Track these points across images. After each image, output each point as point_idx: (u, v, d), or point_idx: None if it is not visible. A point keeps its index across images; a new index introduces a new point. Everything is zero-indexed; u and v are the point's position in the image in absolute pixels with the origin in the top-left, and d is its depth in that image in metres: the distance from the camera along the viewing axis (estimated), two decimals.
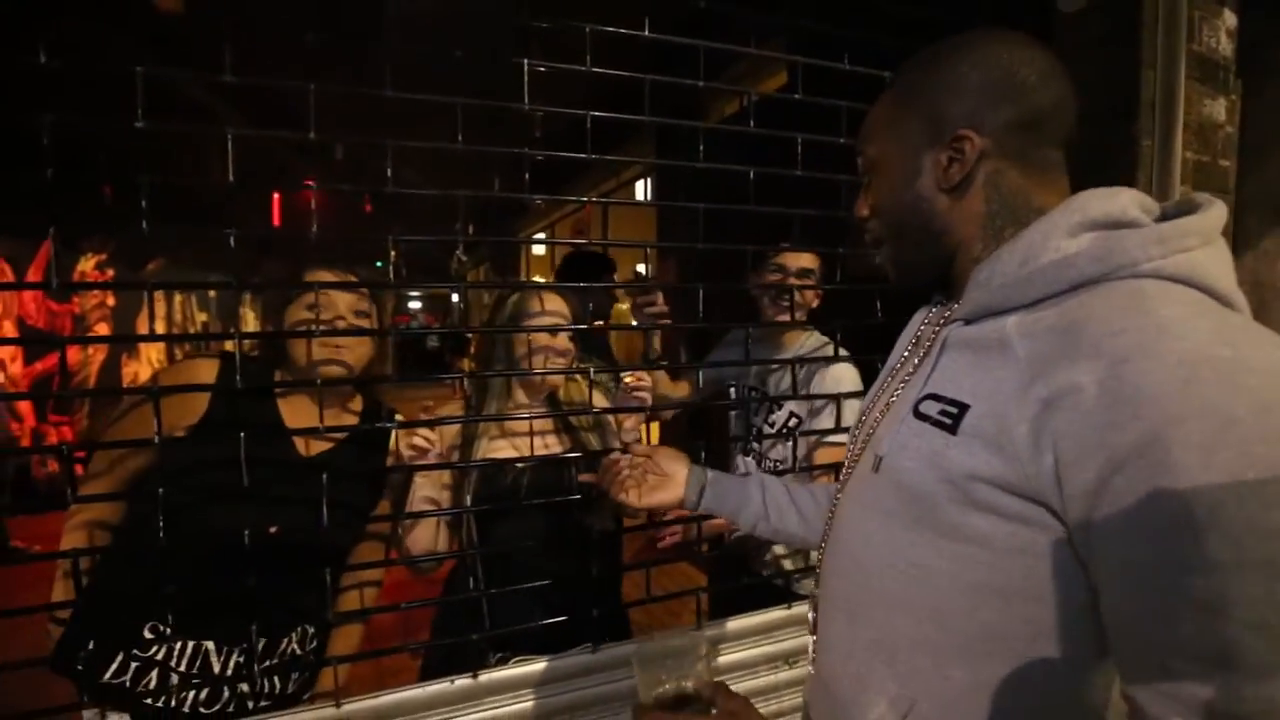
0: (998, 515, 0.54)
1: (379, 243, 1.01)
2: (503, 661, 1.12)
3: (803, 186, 1.24)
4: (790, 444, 1.47)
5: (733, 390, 1.72)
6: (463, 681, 1.04)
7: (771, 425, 1.60)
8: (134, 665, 1.02)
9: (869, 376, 1.33)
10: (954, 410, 0.57)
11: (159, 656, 1.03)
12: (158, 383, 0.92)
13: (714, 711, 0.66)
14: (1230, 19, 1.36)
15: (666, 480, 0.93)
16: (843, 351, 1.45)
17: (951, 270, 0.67)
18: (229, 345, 1.01)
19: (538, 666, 1.08)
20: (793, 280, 1.56)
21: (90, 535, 1.06)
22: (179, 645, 1.03)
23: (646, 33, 1.11)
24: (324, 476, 0.97)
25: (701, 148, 1.19)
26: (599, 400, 1.41)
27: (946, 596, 0.58)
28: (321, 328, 1.05)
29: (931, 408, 0.60)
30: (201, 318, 7.81)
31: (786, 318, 1.53)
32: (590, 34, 1.06)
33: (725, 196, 1.20)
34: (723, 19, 1.22)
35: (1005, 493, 0.53)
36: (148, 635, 1.03)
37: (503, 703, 1.06)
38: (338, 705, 0.97)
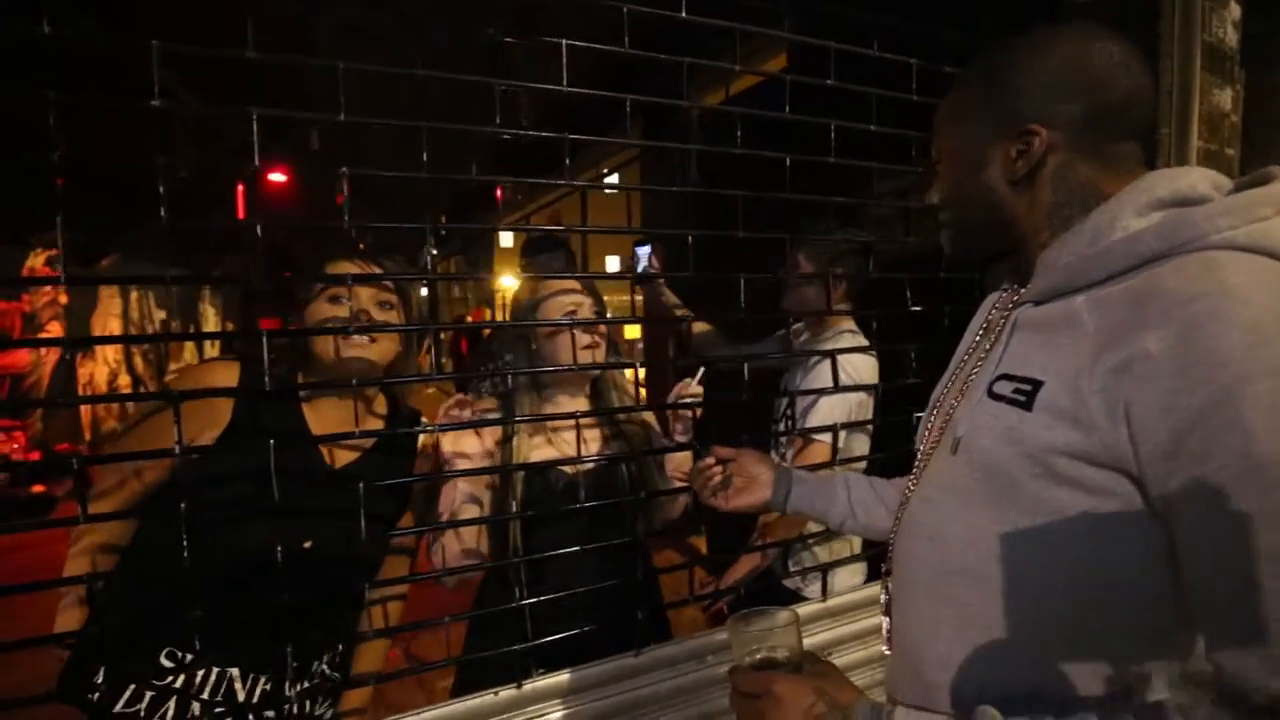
0: (1079, 488, 0.54)
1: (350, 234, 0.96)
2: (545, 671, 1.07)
3: (832, 172, 1.21)
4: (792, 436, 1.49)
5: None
6: (507, 692, 0.99)
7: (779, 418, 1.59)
8: (149, 695, 0.94)
9: (893, 365, 1.33)
10: (1027, 387, 0.58)
11: (177, 685, 0.95)
12: (176, 389, 0.84)
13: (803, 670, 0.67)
14: (1235, 10, 1.37)
15: (752, 482, 0.92)
16: (866, 366, 1.44)
17: (1017, 255, 0.69)
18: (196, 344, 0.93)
19: (581, 672, 1.04)
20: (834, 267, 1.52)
21: (94, 560, 0.97)
22: (200, 673, 0.95)
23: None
24: (357, 487, 0.90)
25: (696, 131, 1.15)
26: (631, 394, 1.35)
27: (1031, 572, 0.58)
28: (344, 323, 0.98)
29: (1005, 387, 0.61)
30: (160, 315, 7.45)
31: (841, 306, 1.52)
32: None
33: (721, 184, 1.16)
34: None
35: (1086, 464, 0.54)
36: (165, 663, 0.95)
37: (546, 710, 1.02)
38: None
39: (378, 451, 1.10)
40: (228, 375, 0.98)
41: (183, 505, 0.80)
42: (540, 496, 1.14)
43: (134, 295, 7.07)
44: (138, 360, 7.13)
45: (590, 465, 1.15)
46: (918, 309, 1.29)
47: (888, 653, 0.73)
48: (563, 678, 1.03)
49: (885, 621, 0.73)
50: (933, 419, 0.76)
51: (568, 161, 1.05)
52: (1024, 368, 0.59)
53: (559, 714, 1.02)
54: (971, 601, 0.61)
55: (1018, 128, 0.62)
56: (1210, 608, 0.48)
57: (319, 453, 1.04)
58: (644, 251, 1.66)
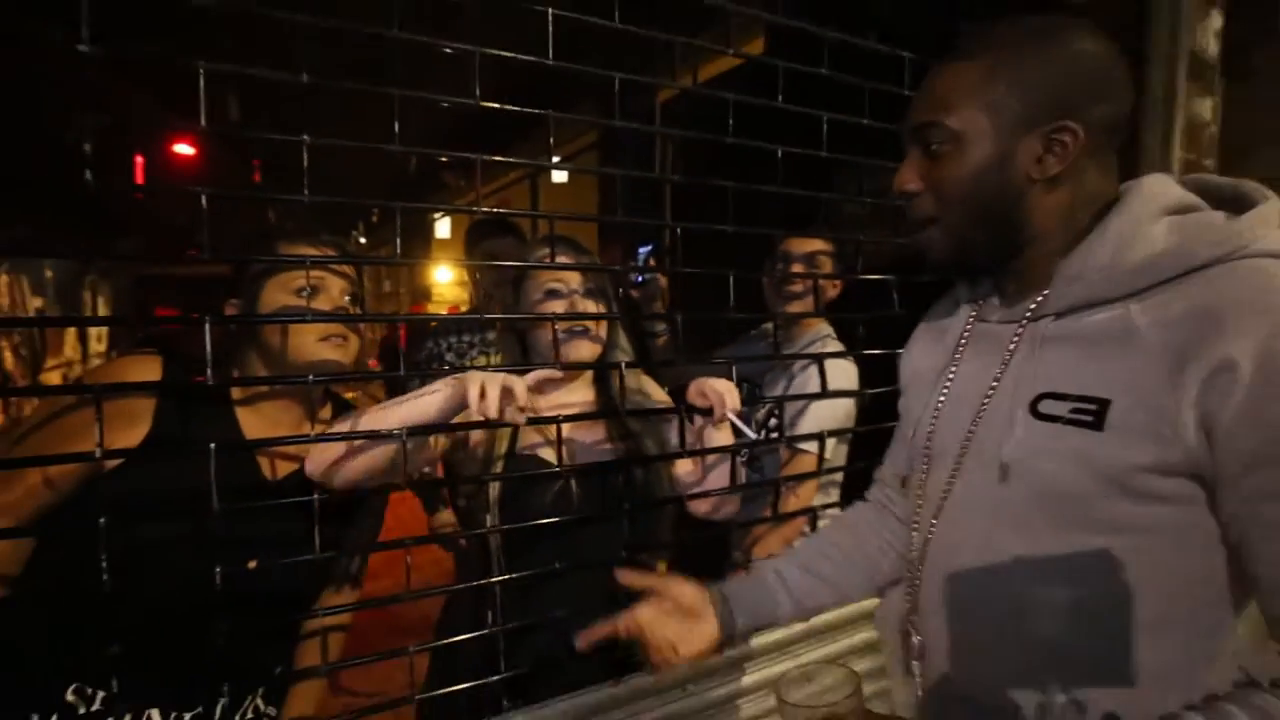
0: (1153, 500, 0.58)
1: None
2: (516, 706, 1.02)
3: (803, 167, 1.22)
4: (776, 446, 1.49)
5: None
6: None
7: (758, 425, 1.59)
8: None
9: (874, 372, 1.35)
10: (1092, 407, 0.59)
11: None
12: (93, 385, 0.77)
13: None
14: (1217, 20, 1.47)
15: (697, 622, 0.83)
16: (847, 370, 1.45)
17: (1019, 259, 0.68)
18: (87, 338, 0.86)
19: (557, 706, 1.01)
20: (797, 268, 1.55)
21: None
22: (113, 713, 0.88)
23: None
24: (296, 502, 0.85)
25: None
26: (650, 395, 1.28)
27: (1101, 588, 0.60)
28: (311, 316, 0.92)
29: (1058, 407, 0.62)
30: (36, 303, 6.93)
31: (797, 308, 1.51)
32: None
33: (687, 172, 1.16)
34: None
35: (1160, 476, 0.57)
36: (70, 698, 0.87)
37: None
38: None
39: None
40: (148, 372, 0.90)
41: (102, 521, 0.73)
42: (520, 496, 1.09)
43: (3, 280, 6.54)
44: (7, 356, 6.60)
45: (588, 470, 1.10)
46: (901, 312, 1.32)
47: (920, 694, 0.72)
48: (537, 714, 0.99)
49: (917, 665, 0.72)
50: (930, 442, 0.75)
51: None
52: (1075, 385, 0.61)
53: None
54: (1041, 627, 0.62)
55: (1052, 122, 0.62)
56: None
57: (255, 462, 0.98)
58: (644, 251, 1.66)
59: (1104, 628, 0.60)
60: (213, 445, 0.77)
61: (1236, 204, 0.61)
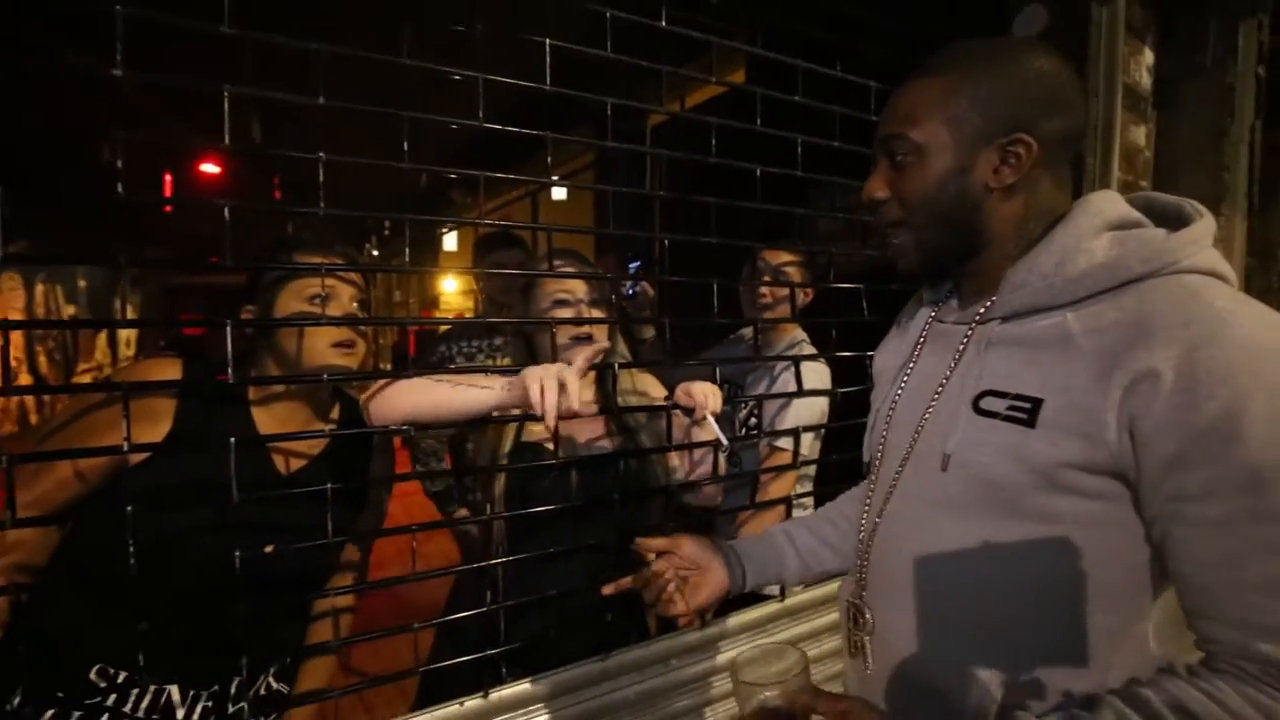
0: (1079, 495, 0.58)
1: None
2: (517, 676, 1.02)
3: (780, 183, 1.23)
4: (757, 444, 1.50)
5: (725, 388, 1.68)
6: (473, 702, 0.95)
7: (740, 423, 1.60)
8: (76, 714, 0.85)
9: (846, 373, 1.36)
10: (1026, 405, 0.60)
11: (108, 703, 0.86)
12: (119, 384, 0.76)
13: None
14: (1149, 56, 1.50)
15: (705, 573, 0.85)
16: (820, 372, 1.47)
17: (974, 262, 0.68)
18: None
19: (549, 679, 1.01)
20: (768, 278, 1.56)
21: (12, 580, 0.87)
22: (135, 691, 0.87)
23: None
24: (306, 495, 0.84)
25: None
26: (649, 394, 1.28)
27: (1030, 572, 0.61)
28: (325, 320, 0.92)
29: (996, 404, 0.62)
30: (69, 310, 6.84)
31: (772, 316, 1.53)
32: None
33: (678, 191, 1.16)
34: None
35: (1087, 473, 0.57)
36: (95, 679, 0.86)
37: (514, 719, 0.98)
38: None
39: (327, 459, 1.02)
40: (170, 374, 0.89)
41: (129, 509, 0.73)
42: (526, 487, 1.09)
43: (40, 288, 6.47)
44: (42, 360, 6.52)
45: (588, 462, 1.10)
46: (871, 318, 1.33)
47: (869, 670, 0.72)
48: (530, 686, 0.99)
49: (867, 640, 0.72)
50: (886, 432, 0.75)
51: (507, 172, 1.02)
52: (1016, 385, 0.61)
53: None
54: (974, 609, 0.63)
55: (1008, 135, 0.62)
56: (1202, 587, 0.53)
57: (269, 458, 0.98)
58: (634, 265, 1.66)
59: (1031, 610, 0.60)
60: (233, 440, 0.77)
61: (1177, 221, 0.62)
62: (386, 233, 8.33)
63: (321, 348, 0.95)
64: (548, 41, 0.99)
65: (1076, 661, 0.59)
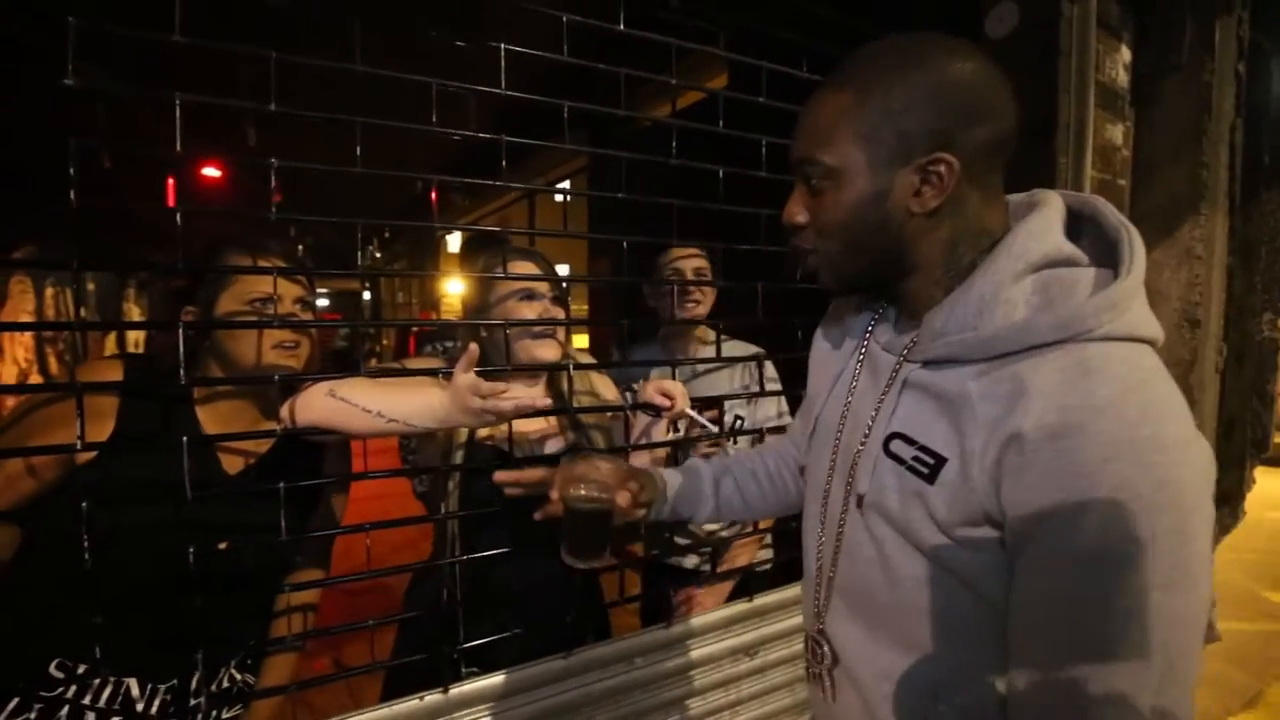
0: (974, 548, 0.58)
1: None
2: (475, 674, 1.04)
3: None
4: (739, 441, 1.50)
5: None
6: (433, 697, 0.96)
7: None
8: (37, 706, 0.87)
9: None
10: (930, 461, 0.59)
11: (68, 695, 0.88)
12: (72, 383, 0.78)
13: None
14: (1126, 54, 1.50)
15: (632, 478, 0.86)
16: (745, 348, 1.47)
17: (902, 286, 0.65)
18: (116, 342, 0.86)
19: (510, 675, 1.02)
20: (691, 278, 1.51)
21: None
22: (95, 683, 0.89)
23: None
24: (254, 494, 0.87)
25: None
26: (600, 394, 1.29)
27: (945, 602, 0.61)
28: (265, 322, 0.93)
29: (904, 450, 0.61)
30: (89, 321, 6.94)
31: (694, 314, 1.50)
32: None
33: (670, 194, 1.17)
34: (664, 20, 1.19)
35: (977, 528, 0.57)
36: (55, 673, 0.88)
37: (474, 715, 0.99)
38: None
39: (274, 458, 1.03)
40: (113, 375, 0.91)
41: (81, 505, 0.75)
42: (484, 492, 1.10)
43: (49, 292, 6.57)
44: (52, 362, 6.62)
45: (538, 461, 1.11)
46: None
47: (832, 701, 0.72)
48: (491, 681, 1.01)
49: (826, 672, 0.72)
50: (819, 442, 0.75)
51: (505, 165, 1.04)
52: (923, 435, 0.60)
53: (490, 718, 1.00)
54: (903, 629, 0.64)
55: (923, 153, 0.57)
56: (1020, 646, 0.55)
57: (215, 457, 0.99)
58: None
59: (949, 633, 0.61)
60: (185, 439, 0.79)
61: (1112, 257, 0.58)
62: (387, 235, 8.41)
63: (264, 349, 0.96)
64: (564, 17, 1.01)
65: (984, 696, 0.59)
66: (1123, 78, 1.49)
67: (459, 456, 1.10)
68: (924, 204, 0.59)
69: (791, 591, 1.33)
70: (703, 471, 0.93)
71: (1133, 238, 0.58)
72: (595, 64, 1.09)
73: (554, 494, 0.81)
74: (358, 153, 0.91)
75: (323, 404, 0.89)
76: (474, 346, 0.84)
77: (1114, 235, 0.59)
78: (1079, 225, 0.63)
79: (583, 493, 0.78)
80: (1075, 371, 0.53)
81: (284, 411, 0.91)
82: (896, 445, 0.62)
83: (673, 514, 0.90)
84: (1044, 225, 0.59)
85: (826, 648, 0.71)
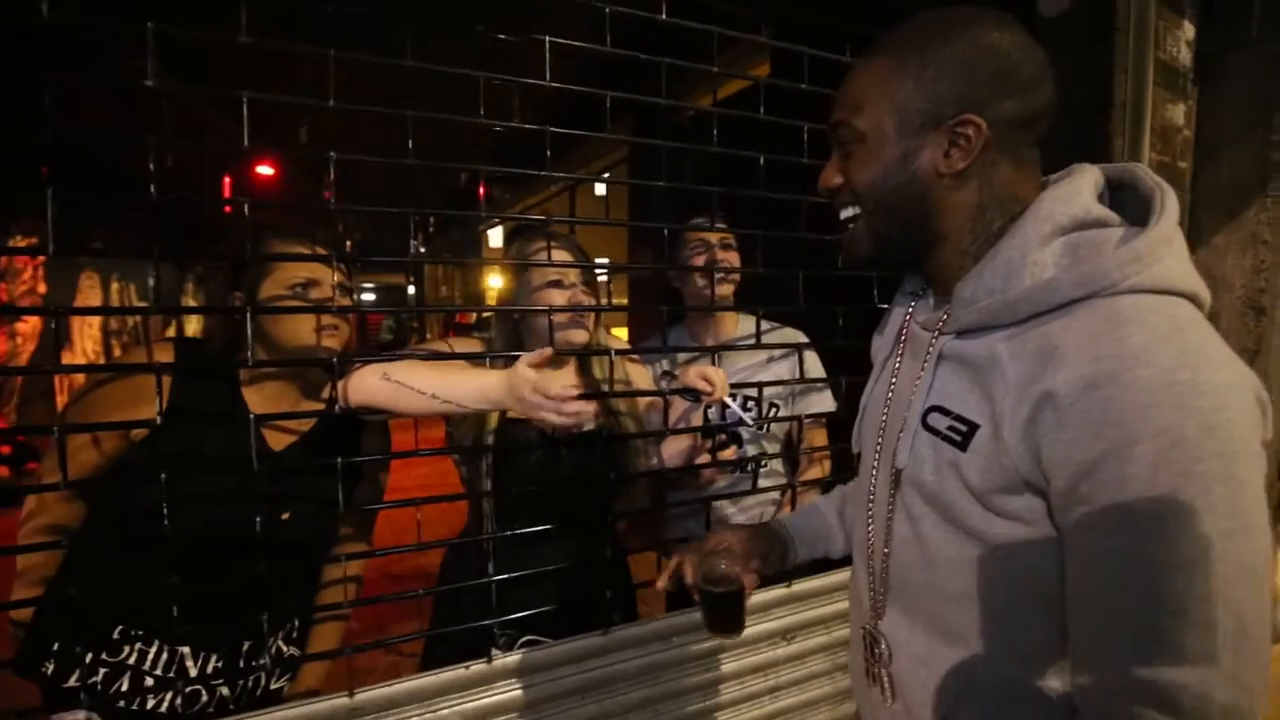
0: (1012, 518, 0.57)
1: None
2: (510, 640, 1.09)
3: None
4: (778, 432, 1.49)
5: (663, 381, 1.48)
6: (477, 666, 1.00)
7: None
8: (103, 670, 0.95)
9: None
10: (963, 428, 0.59)
11: (130, 660, 0.96)
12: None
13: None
14: (1189, 30, 1.44)
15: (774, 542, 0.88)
16: (794, 335, 1.45)
17: (932, 257, 0.66)
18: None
19: (552, 650, 1.06)
20: (718, 253, 1.46)
21: (48, 540, 0.98)
22: (152, 650, 0.96)
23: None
24: (297, 470, 0.93)
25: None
26: (633, 381, 1.31)
27: (981, 583, 0.60)
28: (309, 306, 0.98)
29: (940, 421, 0.62)
30: (143, 306, 7.33)
31: (720, 294, 1.45)
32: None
33: (713, 182, 1.17)
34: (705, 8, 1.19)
35: (1015, 496, 0.56)
36: (117, 638, 0.95)
37: (515, 686, 1.03)
38: (350, 695, 0.92)
39: (317, 436, 1.09)
40: (163, 357, 0.96)
41: (162, 476, 0.81)
42: (520, 473, 1.14)
43: (114, 286, 6.96)
44: (117, 351, 7.02)
45: (571, 445, 1.14)
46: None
47: (889, 703, 0.70)
48: (533, 654, 1.05)
49: (884, 672, 0.70)
50: (868, 431, 0.75)
51: (551, 156, 1.07)
52: (957, 404, 0.60)
53: (529, 689, 1.04)
54: (940, 614, 0.63)
55: (954, 116, 0.58)
56: (1073, 620, 0.54)
57: (261, 434, 1.03)
58: None
59: (986, 617, 0.60)
60: (252, 418, 0.85)
61: (1146, 211, 0.57)
62: (432, 229, 8.62)
63: (308, 331, 1.02)
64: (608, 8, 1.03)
65: (1028, 682, 0.59)
66: (1185, 55, 1.43)
67: (491, 438, 1.14)
68: (951, 165, 0.60)
69: (831, 578, 1.33)
70: (823, 508, 0.93)
71: (1165, 194, 0.57)
72: (638, 54, 1.10)
73: (689, 579, 0.83)
74: (409, 145, 0.95)
75: (376, 385, 0.94)
76: (547, 350, 0.88)
77: (1148, 194, 0.59)
78: (1119, 195, 0.62)
79: (719, 572, 0.80)
80: (1105, 324, 0.52)
81: (338, 392, 0.96)
82: (933, 418, 0.62)
83: (807, 557, 0.90)
84: (1072, 190, 0.59)
85: (884, 644, 0.70)
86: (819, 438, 1.49)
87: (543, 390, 0.85)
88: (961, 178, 0.61)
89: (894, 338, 0.75)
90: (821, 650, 1.34)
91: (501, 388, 0.89)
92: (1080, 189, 0.59)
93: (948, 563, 0.62)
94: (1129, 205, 0.60)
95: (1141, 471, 0.48)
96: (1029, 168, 0.62)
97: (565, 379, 0.93)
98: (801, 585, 1.31)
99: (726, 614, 0.81)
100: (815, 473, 1.44)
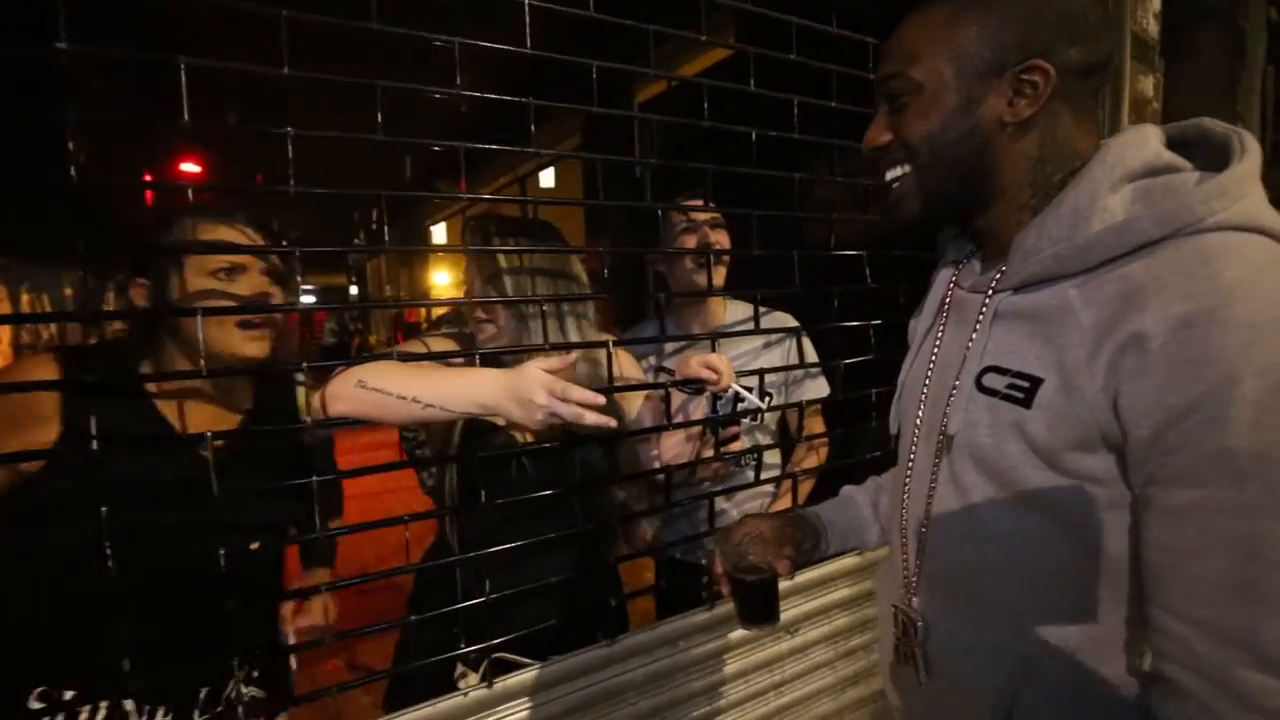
0: (1084, 479, 0.54)
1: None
2: (497, 665, 0.98)
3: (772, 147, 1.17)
4: (769, 421, 1.44)
5: (657, 374, 1.43)
6: (477, 692, 0.92)
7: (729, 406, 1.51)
8: None
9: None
10: (1025, 384, 0.56)
11: None
12: None
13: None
14: (1156, 3, 1.45)
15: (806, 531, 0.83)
16: (786, 319, 1.40)
17: (987, 214, 0.63)
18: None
19: (553, 667, 0.98)
20: (708, 234, 1.37)
21: None
22: (85, 712, 0.81)
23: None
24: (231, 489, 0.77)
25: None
26: (625, 374, 1.20)
27: (1044, 558, 0.57)
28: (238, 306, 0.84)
29: (997, 381, 0.59)
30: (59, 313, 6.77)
31: (702, 280, 1.36)
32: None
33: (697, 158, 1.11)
34: None
35: (1088, 454, 0.53)
36: (36, 705, 0.80)
37: (520, 706, 0.95)
38: None
39: (250, 452, 0.93)
40: (45, 373, 0.80)
41: (39, 522, 0.68)
42: (485, 473, 1.04)
43: (25, 298, 6.40)
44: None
45: (546, 450, 1.05)
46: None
47: (922, 681, 0.67)
48: (534, 673, 0.97)
49: (918, 651, 0.68)
50: (905, 403, 0.73)
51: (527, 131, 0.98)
52: (1017, 361, 0.57)
53: (533, 709, 0.96)
54: (992, 592, 0.60)
55: (1022, 62, 0.56)
56: (1160, 575, 0.50)
57: (188, 453, 0.89)
58: None
59: (1047, 597, 0.58)
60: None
61: (1222, 158, 0.55)
62: (374, 226, 8.28)
63: (230, 332, 0.87)
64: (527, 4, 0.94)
65: (1097, 649, 0.57)
66: (1153, 28, 1.44)
67: (455, 443, 1.05)
68: (1017, 113, 0.58)
69: (829, 568, 1.30)
70: (858, 498, 0.89)
71: (1244, 138, 0.55)
72: (620, 20, 1.01)
73: (718, 569, 0.78)
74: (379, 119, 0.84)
75: (354, 395, 0.83)
76: (572, 356, 0.80)
77: (1223, 140, 0.56)
78: (1185, 151, 0.58)
79: (750, 562, 0.76)
80: (1194, 260, 0.49)
81: (315, 403, 0.85)
82: (989, 378, 0.59)
83: (840, 547, 0.86)
84: (1140, 138, 0.57)
85: (920, 622, 0.67)
86: (817, 424, 1.45)
87: (561, 393, 0.77)
88: (1024, 128, 0.58)
89: (935, 310, 0.72)
90: (824, 640, 1.31)
91: (497, 390, 0.80)
92: (1148, 138, 0.57)
93: (1005, 537, 0.59)
94: (1197, 157, 0.57)
95: (1244, 413, 0.44)
96: (1089, 120, 0.60)
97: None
98: (803, 576, 1.27)
99: (760, 604, 0.77)
100: (812, 461, 1.40)
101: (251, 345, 0.89)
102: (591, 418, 0.78)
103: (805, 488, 1.36)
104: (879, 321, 1.28)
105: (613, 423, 0.81)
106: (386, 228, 0.96)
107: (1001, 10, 0.56)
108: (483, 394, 0.80)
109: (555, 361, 0.80)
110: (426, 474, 1.80)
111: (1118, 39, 0.60)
